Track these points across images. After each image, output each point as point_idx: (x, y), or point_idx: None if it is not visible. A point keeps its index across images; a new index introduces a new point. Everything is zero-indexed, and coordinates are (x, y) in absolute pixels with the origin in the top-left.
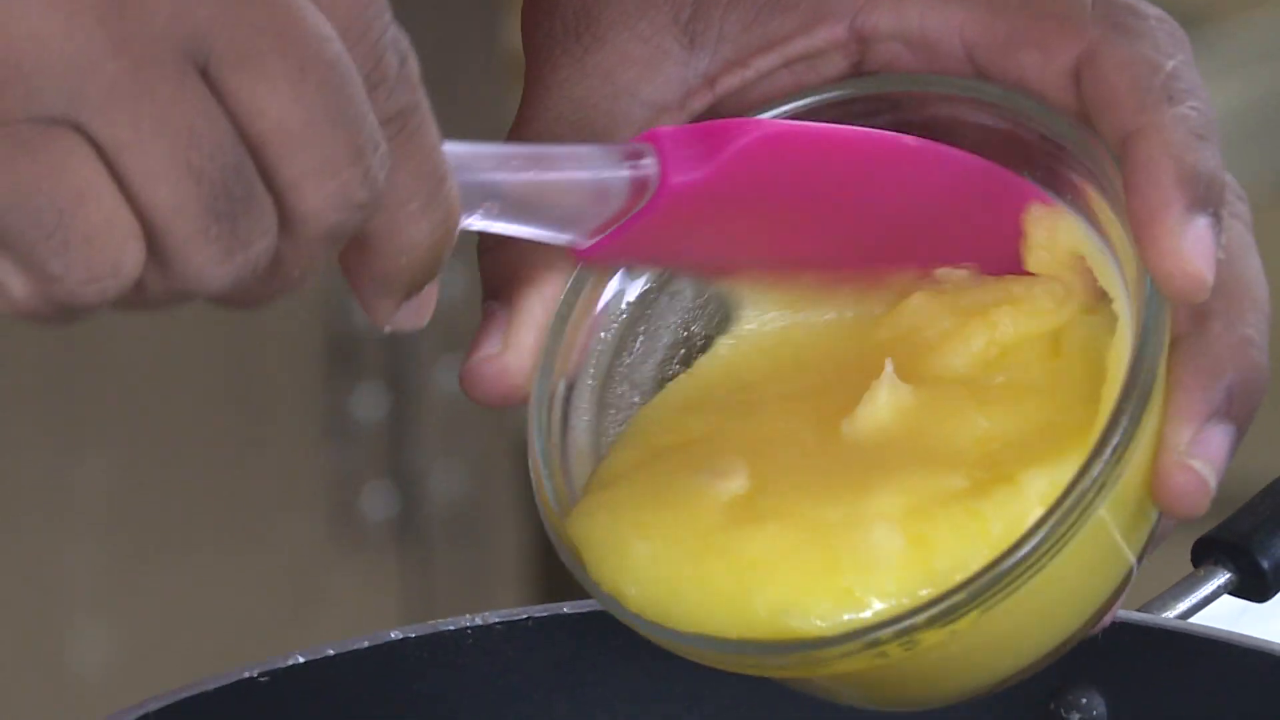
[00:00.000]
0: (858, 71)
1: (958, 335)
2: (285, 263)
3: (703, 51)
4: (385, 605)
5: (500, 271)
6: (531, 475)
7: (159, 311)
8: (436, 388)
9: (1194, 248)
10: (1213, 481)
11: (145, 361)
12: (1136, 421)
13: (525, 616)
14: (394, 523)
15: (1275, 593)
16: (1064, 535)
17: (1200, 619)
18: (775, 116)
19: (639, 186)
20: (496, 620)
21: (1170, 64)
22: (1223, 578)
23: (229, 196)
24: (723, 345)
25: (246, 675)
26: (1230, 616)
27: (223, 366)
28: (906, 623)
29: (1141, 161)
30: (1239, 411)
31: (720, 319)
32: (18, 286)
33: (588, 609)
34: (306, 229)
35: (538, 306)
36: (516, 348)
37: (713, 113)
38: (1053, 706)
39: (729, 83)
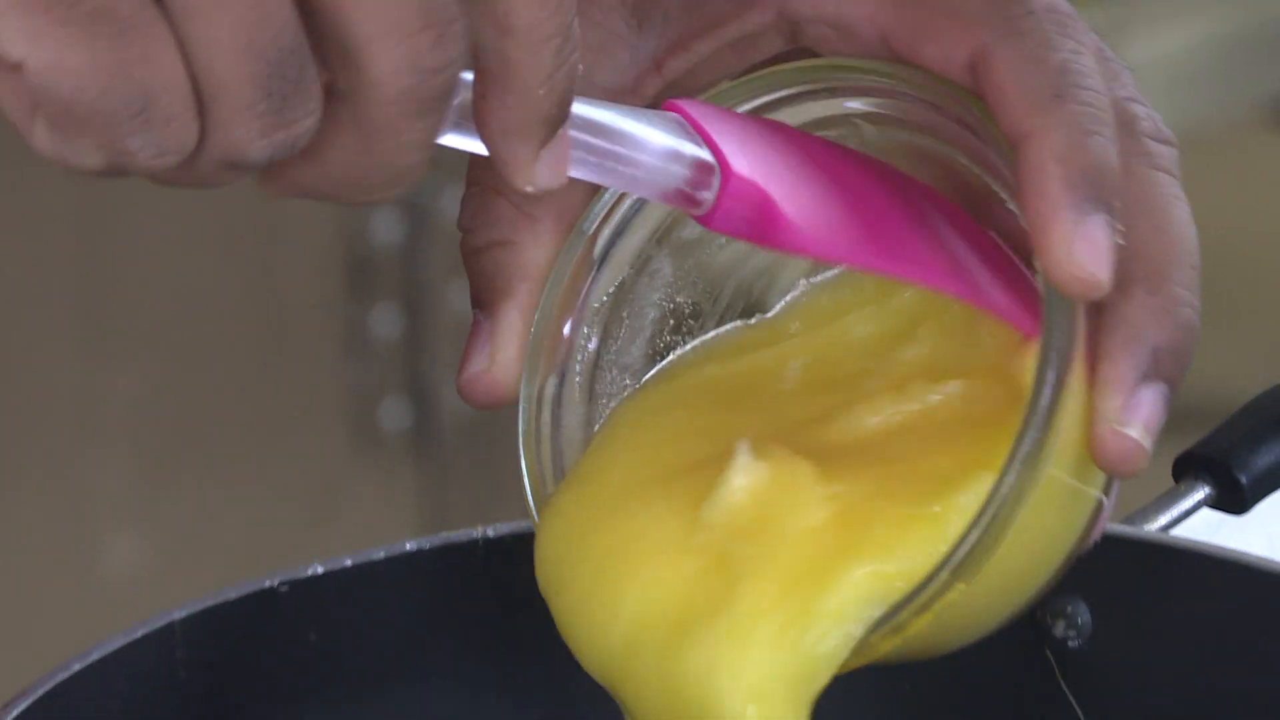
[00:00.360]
0: (796, 47)
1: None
2: (367, 133)
3: (650, 33)
4: (402, 514)
5: (482, 281)
6: (524, 479)
7: (200, 187)
8: (449, 307)
9: (1086, 251)
10: (1148, 443)
11: (173, 280)
12: (1054, 404)
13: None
14: (410, 435)
15: (1252, 506)
16: (1009, 513)
17: (1180, 531)
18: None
19: (703, 166)
20: (507, 532)
21: (1058, 58)
22: (1202, 492)
23: (282, 77)
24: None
25: (268, 585)
26: (1209, 529)
27: (247, 286)
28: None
29: (1030, 168)
30: (1169, 370)
31: (704, 287)
32: (90, 159)
33: None
34: (378, 94)
35: (516, 318)
36: (502, 362)
37: (665, 97)
38: (1039, 615)
39: (676, 66)
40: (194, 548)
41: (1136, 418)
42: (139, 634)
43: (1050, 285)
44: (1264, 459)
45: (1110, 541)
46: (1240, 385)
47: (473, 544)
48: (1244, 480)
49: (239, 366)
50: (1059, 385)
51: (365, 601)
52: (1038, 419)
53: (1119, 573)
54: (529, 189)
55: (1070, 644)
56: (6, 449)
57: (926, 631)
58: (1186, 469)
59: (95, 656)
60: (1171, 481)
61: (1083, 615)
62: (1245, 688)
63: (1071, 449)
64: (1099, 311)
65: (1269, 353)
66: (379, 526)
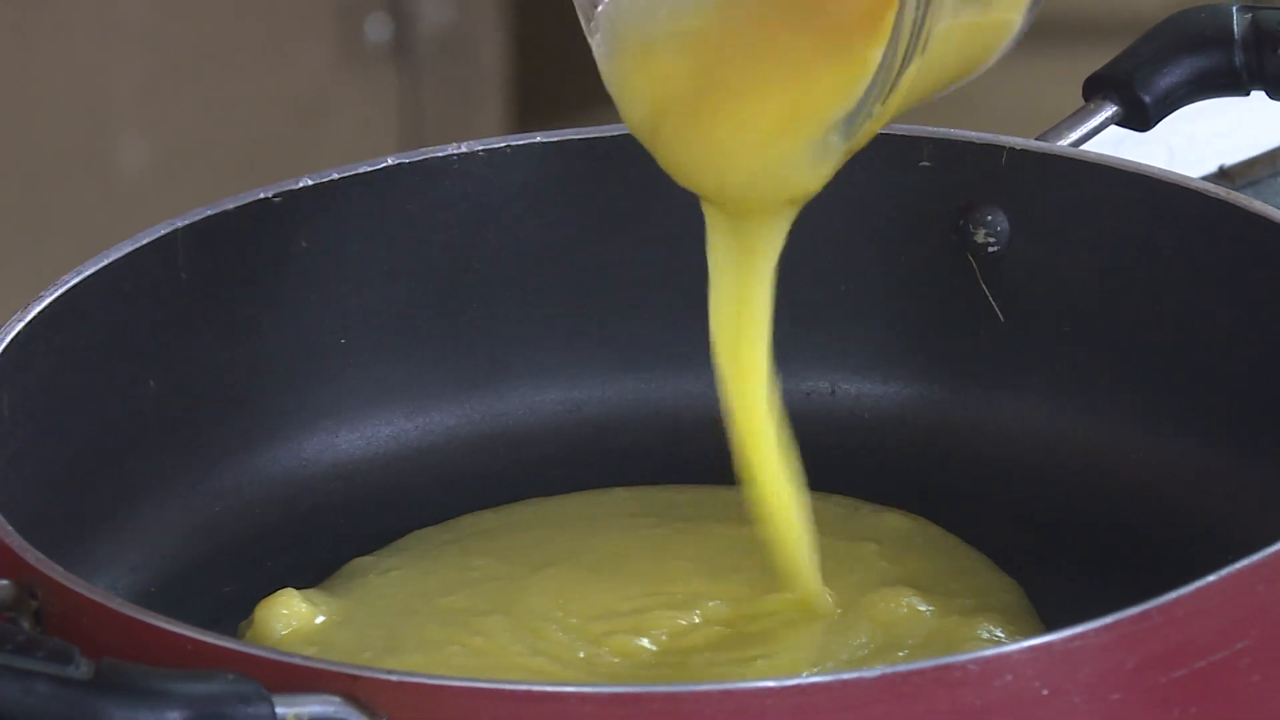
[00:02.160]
0: None
1: None
2: None
3: None
4: (385, 124)
5: None
6: None
7: None
8: None
9: None
10: None
11: None
12: None
13: (504, 145)
14: (392, 47)
15: (1155, 124)
16: None
17: (1089, 147)
18: None
19: None
20: (480, 148)
21: None
22: (1110, 110)
23: None
24: None
25: (262, 196)
26: (1115, 144)
27: None
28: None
29: None
30: None
31: None
32: None
33: (559, 138)
34: None
35: None
36: None
37: None
38: (962, 223)
39: None
40: (197, 156)
41: None
42: (145, 241)
43: None
44: (1166, 80)
45: (1025, 155)
46: (1145, 11)
47: (448, 159)
48: (1148, 100)
49: None
50: None
51: (349, 211)
52: None
53: (1033, 184)
54: None
55: (989, 249)
56: (31, 59)
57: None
58: (1095, 89)
59: (106, 261)
60: (1082, 101)
61: (1001, 223)
62: (1143, 285)
63: None
64: None
65: None
66: (363, 139)
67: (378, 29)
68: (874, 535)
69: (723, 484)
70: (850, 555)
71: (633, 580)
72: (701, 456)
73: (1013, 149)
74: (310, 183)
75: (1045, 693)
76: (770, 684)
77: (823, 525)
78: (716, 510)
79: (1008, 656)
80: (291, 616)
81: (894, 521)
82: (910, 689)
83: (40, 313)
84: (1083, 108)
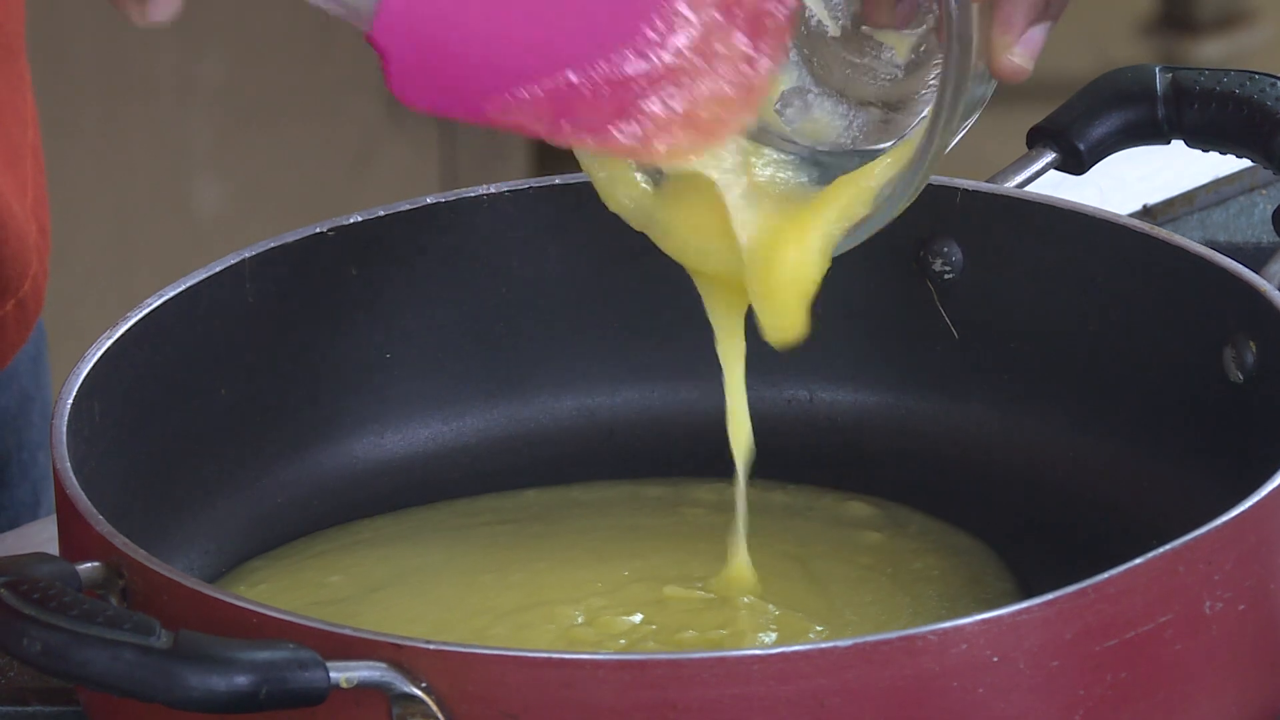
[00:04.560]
0: None
1: None
2: None
3: None
4: (425, 169)
5: None
6: None
7: None
8: None
9: None
10: (1031, 65)
11: None
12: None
13: (527, 186)
14: None
15: (1088, 168)
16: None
17: (1032, 188)
18: None
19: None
20: (506, 189)
21: None
22: (1049, 156)
23: None
24: None
25: (318, 230)
26: (1054, 185)
27: None
28: None
29: None
30: (1056, 10)
31: None
32: None
33: (575, 181)
34: None
35: None
36: None
37: None
38: (922, 254)
39: None
40: (262, 196)
41: (1025, 51)
42: (217, 269)
43: None
44: (1098, 130)
45: (976, 196)
46: (1080, 68)
47: (479, 198)
48: (1082, 147)
49: (299, 49)
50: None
51: (394, 243)
52: (962, 51)
53: (985, 220)
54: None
55: (946, 277)
56: (121, 114)
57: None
58: (1037, 138)
59: (183, 286)
60: (1025, 148)
61: (956, 254)
62: (1078, 308)
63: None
64: None
65: (1106, 39)
66: (406, 181)
67: None
68: (841, 517)
69: (721, 479)
70: (822, 533)
71: (613, 561)
72: (701, 455)
73: (965, 190)
74: (360, 219)
75: (995, 660)
76: (756, 652)
77: (801, 510)
78: (698, 498)
79: (963, 628)
80: None
81: (857, 509)
82: (880, 656)
83: (126, 331)
84: (1026, 154)
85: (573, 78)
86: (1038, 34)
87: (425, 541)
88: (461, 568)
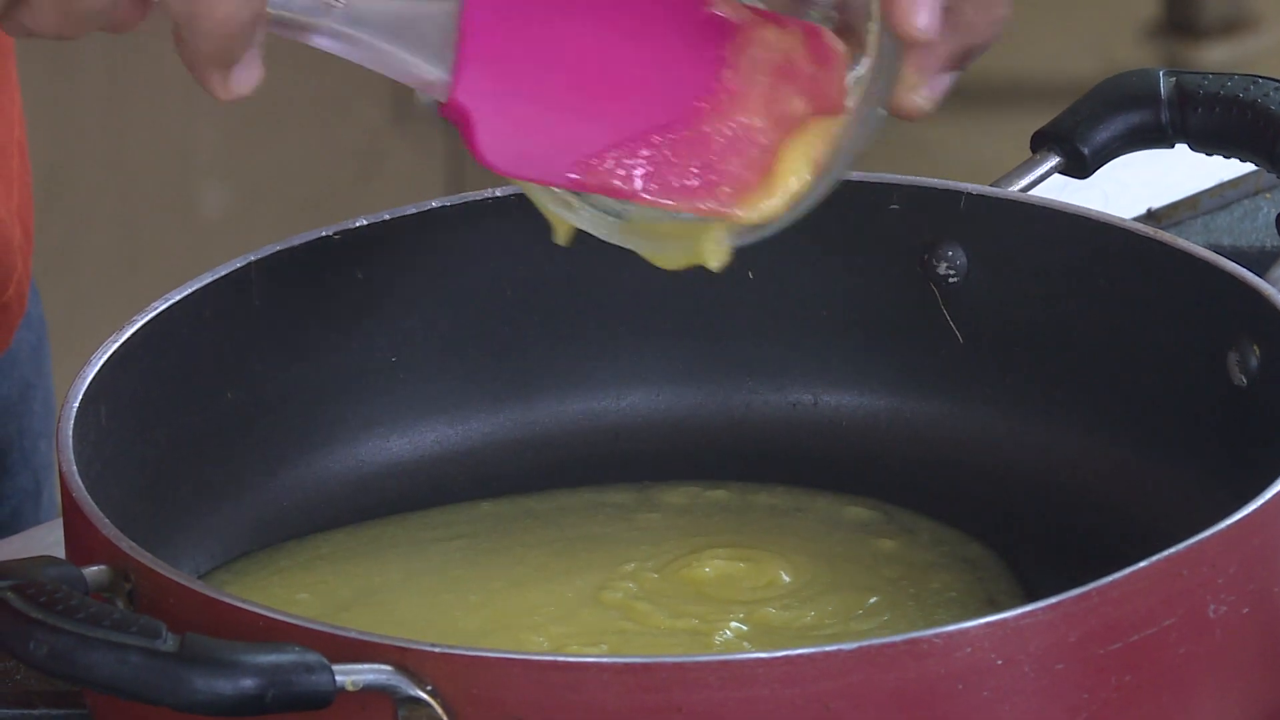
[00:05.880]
0: None
1: None
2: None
3: None
4: (431, 173)
5: None
6: None
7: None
8: None
9: (924, 18)
10: (934, 106)
11: None
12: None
13: None
14: (437, 108)
15: (1092, 172)
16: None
17: (1036, 192)
18: None
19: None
20: (511, 193)
21: None
22: (1053, 160)
23: None
24: None
25: (324, 234)
26: (1058, 189)
27: None
28: None
29: None
30: (967, 63)
31: None
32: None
33: None
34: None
35: None
36: None
37: None
38: (926, 258)
39: None
40: (268, 200)
41: (930, 94)
42: (223, 273)
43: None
44: (1102, 134)
45: (981, 200)
46: (1084, 74)
47: (483, 202)
48: (1086, 151)
49: (305, 53)
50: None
51: (399, 247)
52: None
53: (989, 224)
54: (225, 98)
55: (950, 280)
56: (126, 117)
57: None
58: (1041, 142)
59: (189, 290)
60: (1029, 153)
61: (960, 257)
62: (1081, 311)
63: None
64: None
65: (1110, 43)
66: (411, 185)
67: (428, 96)
68: (844, 519)
69: (717, 480)
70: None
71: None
72: (699, 455)
73: (970, 194)
74: (366, 223)
75: (1000, 663)
76: (761, 655)
77: (790, 512)
78: (694, 502)
79: (967, 631)
80: None
81: (860, 512)
82: (884, 659)
83: (132, 335)
84: (1030, 158)
85: (655, 141)
86: (946, 81)
87: (384, 558)
88: (420, 588)
